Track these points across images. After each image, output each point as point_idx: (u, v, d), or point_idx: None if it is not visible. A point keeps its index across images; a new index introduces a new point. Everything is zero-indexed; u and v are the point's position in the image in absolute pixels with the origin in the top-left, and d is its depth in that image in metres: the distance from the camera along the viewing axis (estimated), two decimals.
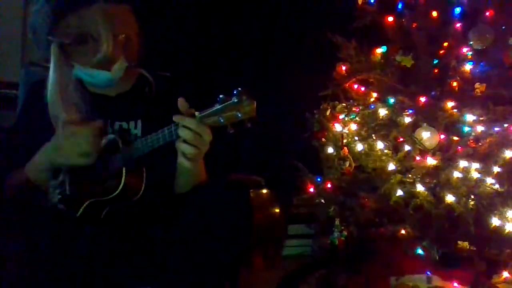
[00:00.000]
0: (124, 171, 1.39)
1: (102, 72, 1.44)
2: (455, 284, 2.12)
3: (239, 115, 1.19)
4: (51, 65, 1.45)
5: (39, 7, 1.44)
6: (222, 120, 1.21)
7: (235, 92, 1.19)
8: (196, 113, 1.25)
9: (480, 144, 2.14)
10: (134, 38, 1.50)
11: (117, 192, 1.39)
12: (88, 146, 1.39)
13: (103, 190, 1.41)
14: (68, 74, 1.46)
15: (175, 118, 1.28)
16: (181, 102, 1.29)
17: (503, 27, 2.25)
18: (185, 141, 1.28)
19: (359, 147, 2.28)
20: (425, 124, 2.18)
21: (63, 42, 1.42)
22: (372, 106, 2.32)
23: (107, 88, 1.53)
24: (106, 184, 1.42)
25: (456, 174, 2.09)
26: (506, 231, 2.01)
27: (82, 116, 1.46)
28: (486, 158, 2.12)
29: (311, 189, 2.39)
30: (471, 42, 2.23)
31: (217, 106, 1.21)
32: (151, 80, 1.57)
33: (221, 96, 1.21)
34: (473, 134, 2.16)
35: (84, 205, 1.43)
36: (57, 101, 1.45)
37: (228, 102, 1.19)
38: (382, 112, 2.27)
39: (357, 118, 2.34)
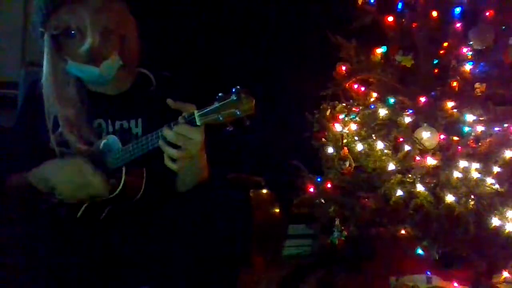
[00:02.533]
0: (124, 170, 1.39)
1: (90, 67, 1.44)
2: (455, 284, 2.12)
3: (238, 112, 1.19)
4: (44, 58, 1.46)
5: (36, 0, 1.45)
6: (221, 118, 1.21)
7: (233, 90, 1.19)
8: (195, 111, 1.25)
9: (480, 144, 2.13)
10: (131, 37, 1.50)
11: (117, 192, 1.40)
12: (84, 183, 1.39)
13: None
14: (62, 68, 1.47)
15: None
16: (170, 103, 1.29)
17: (503, 27, 2.24)
18: (169, 143, 1.28)
19: (359, 147, 2.28)
20: (425, 124, 2.18)
21: (53, 34, 1.43)
22: (372, 106, 2.32)
23: (104, 86, 1.54)
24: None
25: (456, 174, 2.08)
26: (506, 231, 2.00)
27: (77, 111, 1.46)
28: (486, 158, 2.11)
29: (311, 189, 2.38)
30: (471, 42, 2.23)
31: (216, 104, 1.21)
32: (152, 78, 1.57)
33: (220, 94, 1.21)
34: (473, 134, 2.15)
35: (84, 206, 1.43)
36: (52, 95, 1.46)
37: (227, 100, 1.19)
38: (382, 112, 2.26)
39: (357, 118, 2.34)
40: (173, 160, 1.29)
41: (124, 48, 1.49)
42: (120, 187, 1.39)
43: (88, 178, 1.39)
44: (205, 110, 1.23)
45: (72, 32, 1.42)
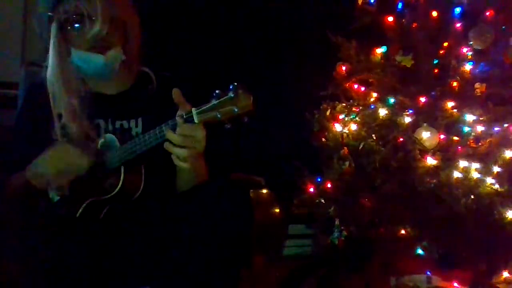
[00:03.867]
0: (122, 169, 1.39)
1: (96, 55, 1.44)
2: (455, 284, 2.12)
3: (236, 109, 1.18)
4: (51, 47, 1.45)
5: None
6: (219, 116, 1.20)
7: (231, 87, 1.18)
8: (193, 109, 1.24)
9: (480, 144, 2.14)
10: (134, 32, 1.50)
11: (116, 190, 1.39)
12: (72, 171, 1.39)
13: (102, 189, 1.41)
14: (67, 59, 1.46)
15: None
16: (176, 93, 1.29)
17: (503, 27, 2.24)
18: (174, 144, 1.28)
19: (359, 147, 2.28)
20: (425, 124, 2.18)
21: (61, 19, 1.43)
22: (372, 106, 2.32)
23: (105, 86, 1.54)
24: (105, 183, 1.41)
25: (456, 174, 2.08)
26: (506, 231, 2.00)
27: (80, 104, 1.46)
28: (486, 158, 2.11)
29: (311, 189, 2.38)
30: (471, 42, 2.23)
31: (214, 102, 1.20)
32: (153, 78, 1.57)
33: (217, 91, 1.20)
34: (473, 134, 2.15)
35: (84, 205, 1.43)
36: (57, 82, 1.46)
37: (225, 97, 1.19)
38: (382, 112, 2.26)
39: (357, 118, 2.34)
40: (181, 159, 1.29)
41: (127, 43, 1.49)
42: (119, 185, 1.39)
43: (74, 159, 1.38)
44: (203, 108, 1.22)
45: (77, 25, 1.42)
